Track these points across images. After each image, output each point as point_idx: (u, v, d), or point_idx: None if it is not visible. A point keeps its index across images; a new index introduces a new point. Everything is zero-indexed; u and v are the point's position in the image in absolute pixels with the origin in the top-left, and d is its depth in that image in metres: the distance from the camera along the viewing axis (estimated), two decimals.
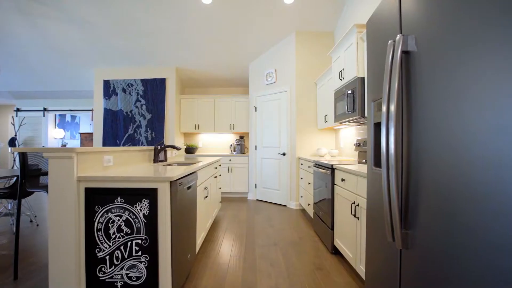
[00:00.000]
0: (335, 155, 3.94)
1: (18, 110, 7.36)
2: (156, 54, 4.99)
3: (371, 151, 1.34)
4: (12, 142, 6.96)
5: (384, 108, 1.05)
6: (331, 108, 3.63)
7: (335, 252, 2.57)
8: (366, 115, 2.52)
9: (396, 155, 0.99)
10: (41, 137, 7.50)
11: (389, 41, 1.06)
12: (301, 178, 4.21)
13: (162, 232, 1.62)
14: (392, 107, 0.99)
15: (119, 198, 1.61)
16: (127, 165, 2.28)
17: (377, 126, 1.31)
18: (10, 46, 4.74)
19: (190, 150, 5.62)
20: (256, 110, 5.15)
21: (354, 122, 3.06)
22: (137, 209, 1.61)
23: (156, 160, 2.78)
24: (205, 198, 2.72)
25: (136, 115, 5.38)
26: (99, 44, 4.64)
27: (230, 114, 5.69)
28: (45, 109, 7.35)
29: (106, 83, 5.43)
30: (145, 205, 1.61)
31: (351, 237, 2.09)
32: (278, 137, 4.75)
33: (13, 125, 7.17)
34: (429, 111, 0.87)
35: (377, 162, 1.31)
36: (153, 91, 5.38)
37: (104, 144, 5.43)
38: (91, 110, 7.01)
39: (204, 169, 2.65)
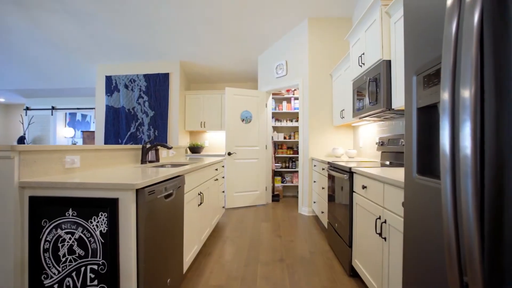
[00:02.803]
0: (353, 156, 3.45)
1: (27, 109, 7.32)
2: (159, 47, 4.68)
3: (412, 152, 0.89)
4: (21, 141, 6.91)
5: (447, 89, 0.61)
6: (349, 101, 3.15)
7: (354, 274, 2.11)
8: (393, 106, 2.05)
9: (474, 160, 0.55)
10: (49, 136, 7.43)
11: None
12: (314, 182, 3.74)
13: (124, 255, 1.23)
14: (467, 89, 0.55)
15: (70, 210, 1.25)
16: (102, 167, 1.92)
17: (424, 112, 0.86)
18: (10, 43, 4.57)
19: (195, 149, 5.28)
20: (266, 106, 4.73)
21: (376, 117, 2.58)
22: (93, 225, 1.23)
23: (144, 160, 2.42)
24: (199, 205, 2.34)
25: (139, 112, 5.10)
26: (99, 37, 4.38)
27: None
28: (53, 108, 7.27)
29: (108, 79, 5.19)
30: (103, 220, 1.23)
31: (375, 260, 1.62)
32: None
33: (22, 123, 7.13)
34: None
35: (424, 169, 0.86)
36: (156, 87, 5.08)
37: (106, 143, 5.18)
38: (94, 108, 6.83)
39: (196, 172, 2.26)
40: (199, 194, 2.33)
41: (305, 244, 2.80)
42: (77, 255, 1.24)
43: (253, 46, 4.63)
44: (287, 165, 5.40)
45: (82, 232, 1.24)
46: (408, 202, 0.93)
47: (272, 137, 5.14)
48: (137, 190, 1.26)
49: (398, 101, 1.96)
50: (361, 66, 2.53)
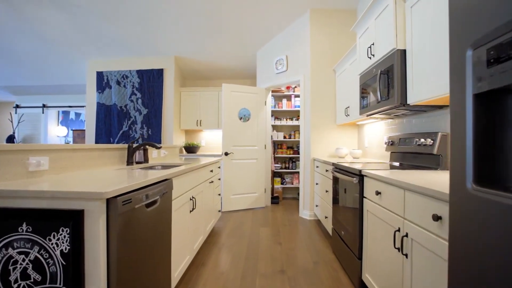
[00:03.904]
0: (358, 156, 3.23)
1: (17, 106, 7.04)
2: (153, 42, 4.43)
3: (464, 155, 0.66)
4: (10, 140, 6.64)
5: None
6: (355, 98, 2.92)
7: None
8: (408, 101, 1.82)
9: None
10: (40, 135, 7.16)
11: None
12: (317, 184, 3.51)
13: (92, 280, 1.00)
14: None
15: (24, 225, 1.01)
16: (78, 170, 1.68)
17: (488, 100, 0.62)
18: None
19: (190, 149, 5.04)
20: (265, 104, 4.49)
21: (385, 114, 2.35)
22: (52, 244, 1.00)
23: (130, 161, 2.18)
24: (191, 211, 2.10)
25: (131, 110, 4.86)
26: (90, 31, 4.12)
27: None
28: (44, 105, 7.00)
29: (99, 75, 4.94)
30: (64, 237, 0.99)
31: (393, 278, 1.40)
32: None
33: (11, 122, 6.86)
34: None
35: (485, 178, 0.63)
36: (150, 83, 4.83)
37: (97, 142, 4.93)
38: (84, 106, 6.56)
39: (187, 175, 2.02)
40: (191, 199, 2.09)
41: (308, 253, 2.57)
42: (32, 280, 1.00)
43: (252, 40, 4.40)
44: (287, 165, 5.17)
45: (38, 252, 1.00)
46: (456, 218, 0.69)
47: (272, 136, 4.91)
48: (108, 200, 1.03)
49: (415, 95, 1.74)
50: (370, 58, 2.30)
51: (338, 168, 2.42)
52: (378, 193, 1.57)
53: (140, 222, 1.25)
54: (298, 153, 5.09)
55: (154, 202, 1.38)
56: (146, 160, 2.44)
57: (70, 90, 6.46)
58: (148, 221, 1.33)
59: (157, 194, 1.41)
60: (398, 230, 1.33)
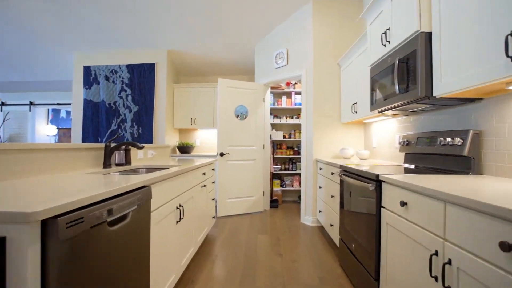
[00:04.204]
0: (366, 157, 2.95)
1: (3, 104, 6.70)
2: (144, 34, 4.12)
3: None
4: None
5: None
6: (364, 93, 2.64)
7: None
8: (435, 93, 1.53)
9: None
10: (27, 134, 6.81)
11: None
12: (320, 188, 3.22)
13: None
14: None
15: None
16: (36, 175, 1.38)
17: None
18: None
19: (184, 149, 4.73)
20: (264, 101, 4.20)
21: (399, 110, 2.07)
22: None
23: (107, 164, 1.87)
24: (178, 222, 1.80)
25: (121, 107, 4.54)
26: (76, 20, 3.80)
27: None
28: (31, 103, 6.65)
29: (87, 70, 4.62)
30: None
31: None
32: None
33: None
34: None
35: None
36: (141, 79, 4.52)
37: (84, 142, 4.61)
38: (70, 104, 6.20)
39: (171, 180, 1.72)
40: (178, 208, 1.79)
41: (312, 266, 2.28)
42: None
43: (250, 33, 4.10)
44: (286, 166, 4.88)
45: None
46: None
47: (271, 135, 4.62)
48: (44, 222, 0.73)
49: (444, 86, 1.45)
50: (384, 45, 2.01)
51: (347, 171, 2.13)
52: (403, 204, 1.28)
53: (101, 246, 0.95)
54: (299, 154, 4.81)
55: (122, 218, 1.08)
56: (128, 161, 2.13)
57: (58, 87, 6.12)
58: (114, 243, 1.03)
59: (128, 207, 1.11)
60: (436, 253, 1.04)
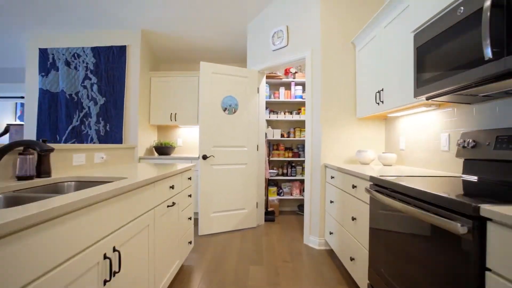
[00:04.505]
0: (392, 163, 2.23)
1: None
2: (113, 10, 3.31)
3: None
4: None
5: None
6: (396, 74, 1.91)
7: None
8: None
9: None
10: None
11: None
12: (331, 202, 2.48)
13: None
14: None
15: None
16: None
17: None
18: None
19: (162, 150, 3.95)
20: (258, 92, 3.45)
21: (462, 94, 1.35)
22: None
23: None
24: (106, 281, 1.03)
25: (85, 99, 3.73)
26: None
27: None
28: None
29: (43, 53, 3.79)
30: None
31: None
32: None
33: None
34: None
35: None
36: (109, 65, 3.72)
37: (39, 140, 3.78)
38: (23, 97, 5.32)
39: (104, 205, 0.95)
40: (106, 258, 1.03)
41: None
42: None
43: (241, 9, 3.34)
44: (285, 171, 4.14)
45: None
46: None
47: (266, 134, 3.87)
48: None
49: None
50: None
51: (387, 188, 1.39)
52: None
53: None
54: (299, 156, 4.07)
55: None
56: (45, 171, 1.36)
57: (8, 77, 5.21)
58: None
59: None
60: None
